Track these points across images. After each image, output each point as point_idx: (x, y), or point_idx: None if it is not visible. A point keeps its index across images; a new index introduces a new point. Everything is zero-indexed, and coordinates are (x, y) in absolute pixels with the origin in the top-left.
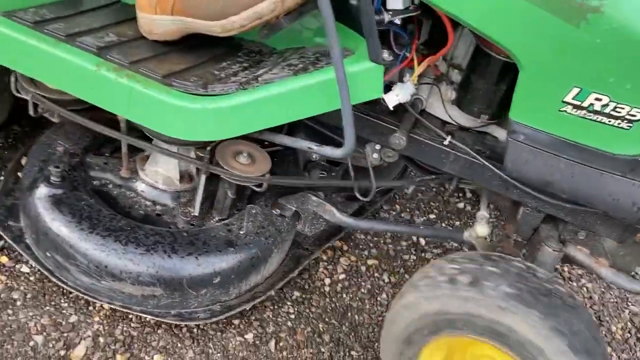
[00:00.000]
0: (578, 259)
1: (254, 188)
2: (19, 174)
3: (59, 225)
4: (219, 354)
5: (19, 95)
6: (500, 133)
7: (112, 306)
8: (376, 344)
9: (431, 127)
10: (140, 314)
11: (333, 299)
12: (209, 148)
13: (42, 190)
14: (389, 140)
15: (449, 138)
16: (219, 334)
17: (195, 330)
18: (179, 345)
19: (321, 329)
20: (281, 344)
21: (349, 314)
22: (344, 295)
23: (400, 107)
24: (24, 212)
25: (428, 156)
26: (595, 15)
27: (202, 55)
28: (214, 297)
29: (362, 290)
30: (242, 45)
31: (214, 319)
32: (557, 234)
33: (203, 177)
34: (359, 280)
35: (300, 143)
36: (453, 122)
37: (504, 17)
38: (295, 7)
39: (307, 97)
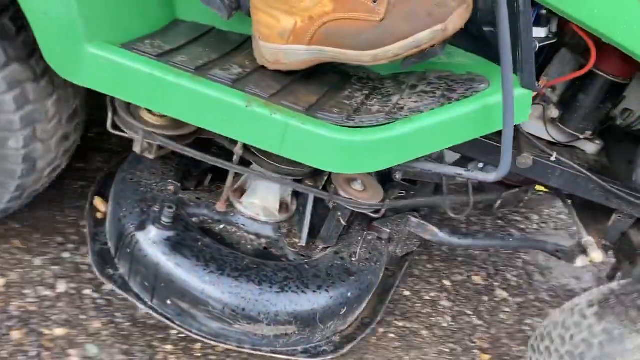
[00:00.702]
0: None
1: (372, 215)
2: (97, 215)
3: (185, 271)
4: None
5: (116, 132)
6: (589, 147)
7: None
8: None
9: (539, 145)
10: (272, 355)
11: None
12: (324, 177)
13: (155, 234)
14: (515, 160)
15: (554, 154)
16: None
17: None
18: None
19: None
20: None
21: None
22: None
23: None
24: (130, 259)
25: (534, 172)
26: None
27: (320, 84)
28: (335, 329)
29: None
30: (348, 72)
31: (340, 352)
32: None
33: (310, 206)
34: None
35: (446, 169)
36: (549, 139)
37: None
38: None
39: (459, 126)
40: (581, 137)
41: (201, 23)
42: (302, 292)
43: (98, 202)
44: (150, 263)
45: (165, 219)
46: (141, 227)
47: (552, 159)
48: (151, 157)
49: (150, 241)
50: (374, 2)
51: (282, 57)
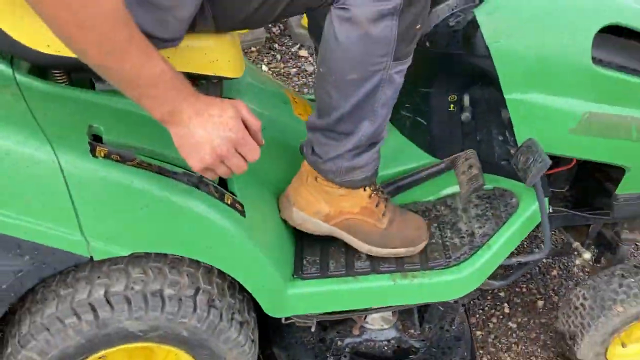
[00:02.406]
0: (631, 238)
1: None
2: None
3: None
4: None
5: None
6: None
7: None
8: None
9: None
10: None
11: None
12: None
13: None
14: None
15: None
16: None
17: None
18: None
19: None
20: None
21: None
22: None
23: None
24: None
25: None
26: None
27: None
28: None
29: None
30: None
31: None
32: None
33: (415, 309)
34: None
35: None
36: None
37: None
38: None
39: (517, 234)
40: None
41: None
42: None
43: None
44: None
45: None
46: None
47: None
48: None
49: None
50: (383, 215)
51: (309, 225)
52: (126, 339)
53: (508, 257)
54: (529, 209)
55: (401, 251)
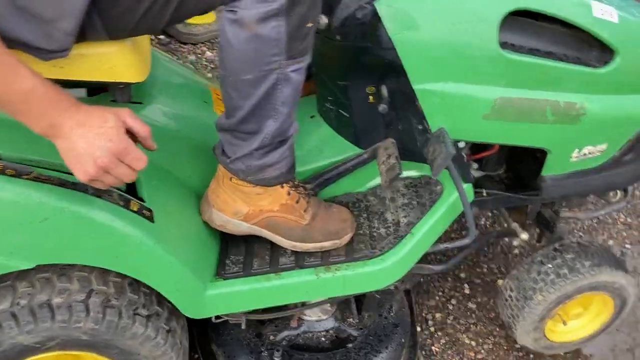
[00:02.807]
0: (567, 216)
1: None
2: None
3: None
4: None
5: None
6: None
7: None
8: None
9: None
10: None
11: None
12: None
13: None
14: None
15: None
16: None
17: None
18: None
19: None
20: None
21: None
22: None
23: None
24: None
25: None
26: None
27: None
28: None
29: None
30: (341, 200)
31: None
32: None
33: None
34: None
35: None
36: None
37: None
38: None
39: (441, 221)
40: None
41: None
42: (381, 354)
43: None
44: None
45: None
46: None
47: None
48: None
49: None
50: (304, 211)
51: (229, 226)
52: (25, 353)
53: (435, 244)
54: (452, 196)
55: (326, 244)
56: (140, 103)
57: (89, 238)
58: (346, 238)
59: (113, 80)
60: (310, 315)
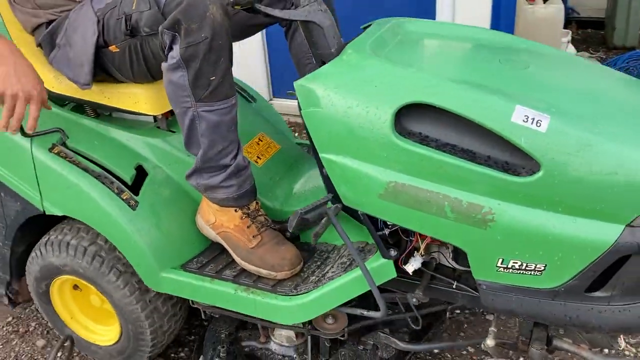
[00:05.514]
0: (565, 348)
1: (340, 338)
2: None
3: None
4: None
5: (194, 306)
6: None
7: None
8: None
9: (443, 278)
10: None
11: None
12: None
13: None
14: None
15: (455, 283)
16: None
17: None
18: None
19: None
20: None
21: None
22: None
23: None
24: None
25: (445, 296)
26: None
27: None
28: None
29: None
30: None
31: None
32: (546, 334)
33: (309, 339)
34: None
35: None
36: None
37: None
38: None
39: (350, 286)
40: None
41: None
42: None
43: None
44: None
45: (222, 354)
46: None
47: (454, 286)
48: (216, 316)
49: None
50: (253, 237)
51: (204, 231)
52: (53, 272)
53: (353, 307)
54: (374, 263)
55: (262, 272)
56: (174, 132)
57: (90, 206)
58: (283, 274)
59: (137, 111)
60: (276, 339)
